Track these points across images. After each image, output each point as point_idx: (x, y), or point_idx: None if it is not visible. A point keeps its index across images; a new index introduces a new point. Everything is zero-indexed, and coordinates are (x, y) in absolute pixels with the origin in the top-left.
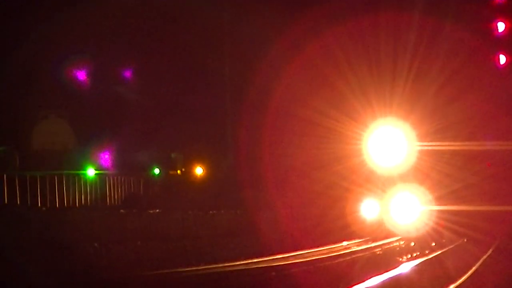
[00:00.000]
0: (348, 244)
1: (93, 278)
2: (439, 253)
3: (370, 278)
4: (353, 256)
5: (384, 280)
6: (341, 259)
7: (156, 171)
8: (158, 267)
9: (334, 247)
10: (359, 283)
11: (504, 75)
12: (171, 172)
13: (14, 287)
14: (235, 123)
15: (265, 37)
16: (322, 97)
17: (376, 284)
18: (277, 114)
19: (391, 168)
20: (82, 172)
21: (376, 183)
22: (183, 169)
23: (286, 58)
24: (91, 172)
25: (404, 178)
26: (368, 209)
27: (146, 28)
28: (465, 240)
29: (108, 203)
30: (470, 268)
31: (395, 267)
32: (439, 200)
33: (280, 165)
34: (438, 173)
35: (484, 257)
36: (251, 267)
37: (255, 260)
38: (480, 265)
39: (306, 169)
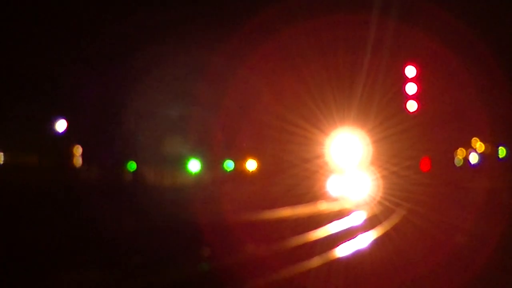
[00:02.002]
0: (326, 205)
1: (196, 222)
2: (377, 212)
3: (338, 219)
4: (329, 210)
5: (345, 221)
6: (322, 211)
7: (231, 164)
8: (224, 219)
9: (317, 206)
10: (332, 221)
11: (414, 115)
12: (237, 164)
13: (135, 231)
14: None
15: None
16: (296, 112)
17: (342, 223)
18: (277, 128)
19: (349, 164)
20: (189, 167)
21: (339, 172)
22: (244, 162)
23: (242, 59)
24: (195, 167)
25: (358, 168)
26: (335, 186)
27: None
28: (392, 205)
29: (201, 184)
30: (394, 220)
31: (351, 215)
32: (378, 180)
33: (281, 160)
34: (376, 165)
35: (403, 214)
36: (273, 217)
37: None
38: (400, 219)
39: (297, 162)
